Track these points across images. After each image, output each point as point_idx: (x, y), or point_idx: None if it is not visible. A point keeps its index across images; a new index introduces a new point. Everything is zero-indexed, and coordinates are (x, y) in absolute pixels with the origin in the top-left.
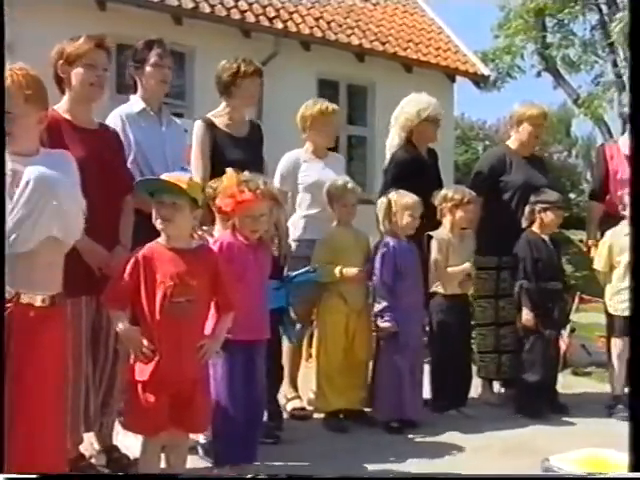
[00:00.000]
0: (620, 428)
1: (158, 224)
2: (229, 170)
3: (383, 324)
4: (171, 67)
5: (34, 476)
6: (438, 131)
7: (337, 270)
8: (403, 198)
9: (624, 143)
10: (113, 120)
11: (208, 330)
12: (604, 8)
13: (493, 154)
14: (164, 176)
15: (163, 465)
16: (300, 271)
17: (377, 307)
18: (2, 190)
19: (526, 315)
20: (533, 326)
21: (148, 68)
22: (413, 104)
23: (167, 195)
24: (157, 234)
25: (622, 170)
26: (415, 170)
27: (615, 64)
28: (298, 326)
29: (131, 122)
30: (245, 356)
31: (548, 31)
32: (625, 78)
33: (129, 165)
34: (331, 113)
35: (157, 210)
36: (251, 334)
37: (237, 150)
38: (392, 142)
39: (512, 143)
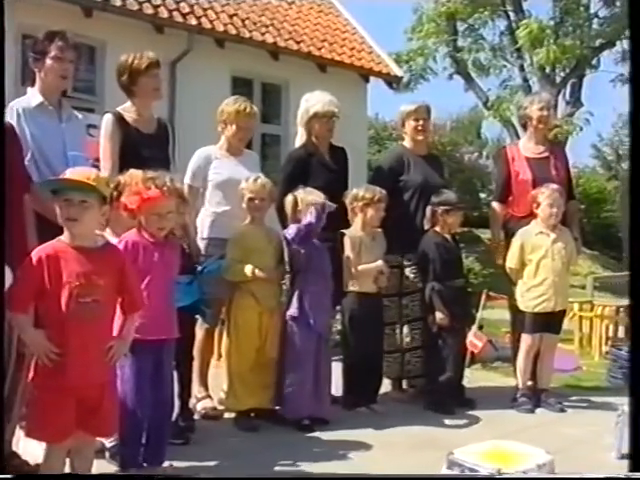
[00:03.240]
0: (522, 420)
1: (65, 223)
2: (132, 170)
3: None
4: (73, 61)
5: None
6: (351, 130)
7: (249, 269)
8: (309, 195)
9: (524, 145)
10: (9, 114)
11: (115, 331)
12: (512, 15)
13: (391, 153)
14: (69, 172)
15: (67, 470)
16: (209, 261)
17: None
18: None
19: (439, 316)
20: (448, 325)
21: (48, 61)
22: (305, 101)
23: (76, 193)
24: (52, 236)
25: (523, 171)
26: (311, 167)
27: (522, 68)
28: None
29: (28, 117)
30: (153, 356)
31: (459, 35)
32: (531, 82)
33: (26, 162)
34: (250, 114)
35: (64, 209)
36: (159, 333)
37: (145, 147)
38: (299, 140)
39: (407, 143)
